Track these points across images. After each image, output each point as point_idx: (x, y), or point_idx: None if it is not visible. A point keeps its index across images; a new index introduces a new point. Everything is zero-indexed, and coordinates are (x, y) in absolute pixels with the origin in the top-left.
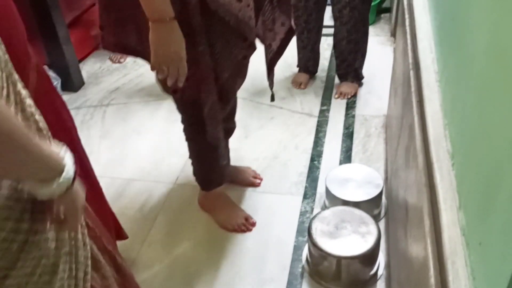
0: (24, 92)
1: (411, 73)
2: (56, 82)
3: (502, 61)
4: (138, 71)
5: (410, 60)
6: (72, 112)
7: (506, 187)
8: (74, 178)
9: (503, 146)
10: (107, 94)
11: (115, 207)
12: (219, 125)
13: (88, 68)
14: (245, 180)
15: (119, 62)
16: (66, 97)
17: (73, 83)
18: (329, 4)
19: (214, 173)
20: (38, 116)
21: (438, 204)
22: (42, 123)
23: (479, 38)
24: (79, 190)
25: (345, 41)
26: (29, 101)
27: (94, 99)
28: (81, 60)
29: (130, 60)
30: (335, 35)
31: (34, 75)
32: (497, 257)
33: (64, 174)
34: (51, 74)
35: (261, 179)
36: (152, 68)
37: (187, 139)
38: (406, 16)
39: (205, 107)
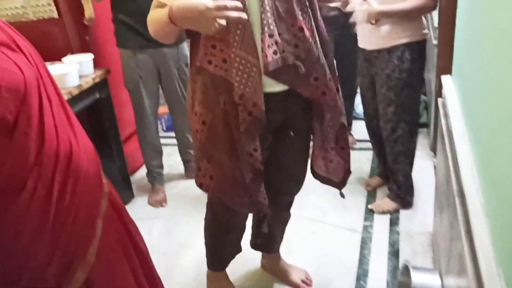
0: None
1: (457, 200)
2: None
3: None
4: (184, 184)
5: (455, 187)
6: None
7: None
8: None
9: None
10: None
11: None
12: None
13: (137, 181)
14: (293, 280)
15: (161, 205)
16: None
17: (123, 196)
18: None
19: (223, 252)
20: None
21: None
22: None
23: None
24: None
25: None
26: None
27: (142, 211)
28: (132, 173)
29: (176, 173)
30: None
31: (105, 203)
32: None
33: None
34: None
35: (310, 285)
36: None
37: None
38: (446, 141)
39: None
